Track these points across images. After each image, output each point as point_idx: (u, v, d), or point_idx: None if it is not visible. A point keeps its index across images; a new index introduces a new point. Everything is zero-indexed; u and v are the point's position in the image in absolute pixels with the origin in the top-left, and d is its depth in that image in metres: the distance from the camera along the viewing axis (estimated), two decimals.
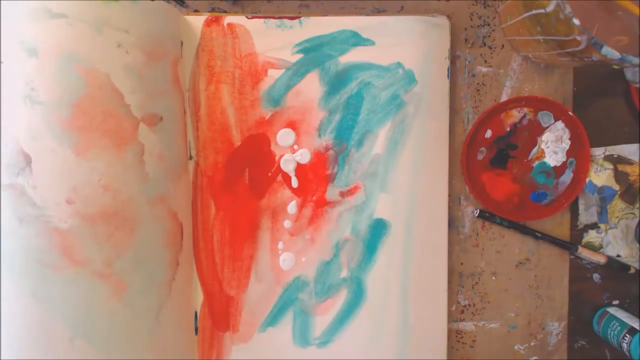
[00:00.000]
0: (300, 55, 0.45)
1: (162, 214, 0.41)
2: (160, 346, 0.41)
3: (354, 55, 0.46)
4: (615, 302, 0.52)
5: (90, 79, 0.37)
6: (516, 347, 0.51)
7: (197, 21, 0.44)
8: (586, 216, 0.51)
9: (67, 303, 0.37)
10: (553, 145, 0.49)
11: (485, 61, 0.48)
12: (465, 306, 0.51)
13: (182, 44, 0.44)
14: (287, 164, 0.46)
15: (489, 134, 0.49)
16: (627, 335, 0.47)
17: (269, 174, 0.46)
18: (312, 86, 0.46)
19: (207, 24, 0.44)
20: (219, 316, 0.47)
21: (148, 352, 0.40)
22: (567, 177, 0.49)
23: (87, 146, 0.37)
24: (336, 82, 0.46)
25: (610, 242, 0.51)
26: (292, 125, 0.46)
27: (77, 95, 0.37)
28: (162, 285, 0.41)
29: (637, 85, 0.47)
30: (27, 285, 0.36)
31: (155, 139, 0.40)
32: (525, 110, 0.49)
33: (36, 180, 0.36)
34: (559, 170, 0.49)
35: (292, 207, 0.47)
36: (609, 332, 0.49)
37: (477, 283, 0.50)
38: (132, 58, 0.38)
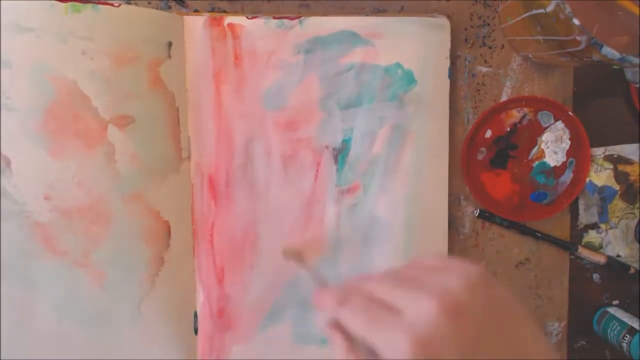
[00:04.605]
0: (300, 56, 0.45)
1: (139, 211, 0.43)
2: (144, 335, 0.44)
3: (354, 56, 0.45)
4: (615, 302, 0.52)
5: (59, 85, 0.40)
6: None
7: (197, 21, 0.44)
8: (586, 216, 0.51)
9: (51, 288, 0.41)
10: (553, 145, 0.49)
11: (485, 61, 0.48)
12: None
13: (170, 45, 0.43)
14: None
15: (489, 134, 0.49)
16: (627, 335, 0.47)
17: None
18: (312, 87, 0.46)
19: (207, 24, 0.44)
20: (219, 316, 0.47)
21: (132, 336, 0.44)
22: (567, 177, 0.49)
23: (60, 147, 0.40)
24: (336, 83, 0.46)
25: (610, 242, 0.51)
26: (292, 125, 0.46)
27: (47, 101, 0.40)
28: (143, 279, 0.44)
29: (637, 85, 0.47)
30: (13, 272, 0.41)
31: (127, 139, 0.42)
32: (525, 110, 0.49)
33: (16, 179, 0.40)
34: (559, 170, 0.49)
35: (292, 205, 0.47)
36: (609, 332, 0.49)
37: None
38: (97, 63, 0.41)
